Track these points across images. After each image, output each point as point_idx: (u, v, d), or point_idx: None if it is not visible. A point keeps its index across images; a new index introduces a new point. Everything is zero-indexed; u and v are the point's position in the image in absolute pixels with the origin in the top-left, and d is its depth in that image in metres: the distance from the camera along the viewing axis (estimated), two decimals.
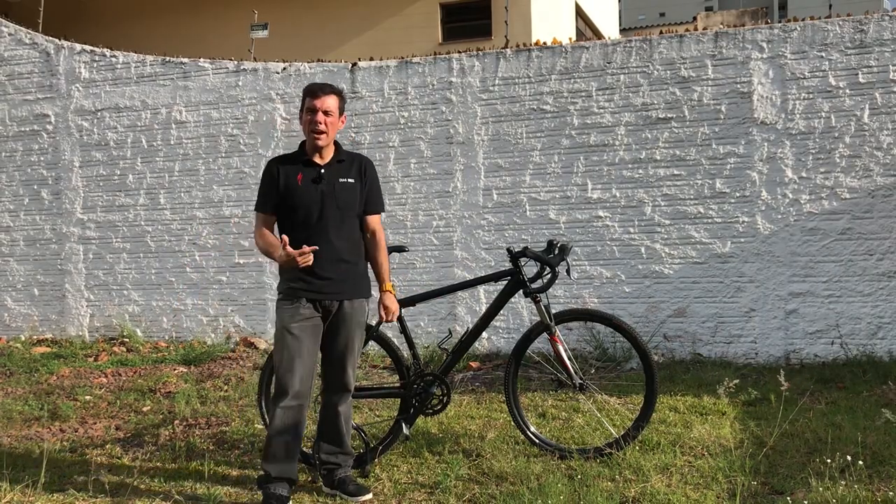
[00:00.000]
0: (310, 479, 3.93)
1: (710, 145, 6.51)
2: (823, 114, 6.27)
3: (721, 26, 7.08)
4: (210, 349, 7.30)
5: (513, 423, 4.29)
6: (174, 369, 6.62)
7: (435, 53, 7.46)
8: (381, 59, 7.49)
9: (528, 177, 6.93)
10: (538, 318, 4.13)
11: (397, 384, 4.22)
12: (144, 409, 5.44)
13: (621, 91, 6.72)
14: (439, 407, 4.15)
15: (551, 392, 5.30)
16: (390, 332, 4.67)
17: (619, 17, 24.04)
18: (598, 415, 4.58)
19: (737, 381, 4.20)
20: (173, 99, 7.91)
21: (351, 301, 3.63)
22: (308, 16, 14.23)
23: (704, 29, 6.77)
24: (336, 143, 3.70)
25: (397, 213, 7.20)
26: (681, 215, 6.59)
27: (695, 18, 19.25)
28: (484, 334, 6.29)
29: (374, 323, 3.96)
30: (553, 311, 4.10)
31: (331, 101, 3.56)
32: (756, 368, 6.14)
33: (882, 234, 6.17)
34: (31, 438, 4.83)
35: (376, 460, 4.08)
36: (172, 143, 7.91)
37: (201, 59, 7.94)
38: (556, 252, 4.11)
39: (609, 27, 19.96)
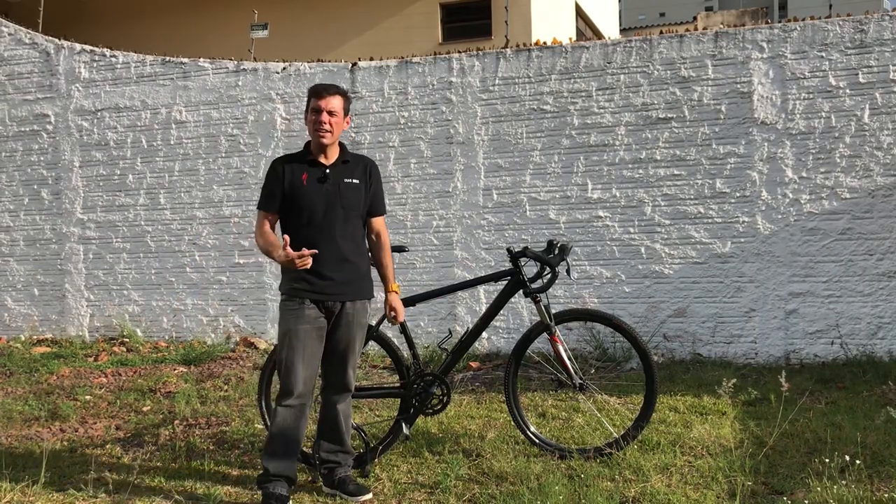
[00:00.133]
0: (310, 479, 3.94)
1: (711, 145, 6.51)
2: (823, 114, 6.27)
3: (721, 26, 7.08)
4: (210, 349, 7.30)
5: (513, 423, 4.29)
6: (174, 369, 6.63)
7: (435, 53, 7.46)
8: (381, 59, 7.49)
9: (528, 177, 6.93)
10: (538, 318, 4.13)
11: (397, 384, 4.22)
12: (144, 409, 5.44)
13: (621, 91, 6.72)
14: (439, 407, 4.15)
15: (551, 392, 5.30)
16: (390, 332, 4.68)
17: (619, 17, 24.04)
18: (598, 415, 4.58)
19: (734, 380, 4.20)
20: (173, 99, 7.91)
21: (353, 302, 3.65)
22: (308, 16, 14.22)
23: (704, 29, 6.77)
24: (341, 144, 3.72)
25: (397, 213, 7.20)
26: (681, 215, 6.59)
27: (695, 18, 19.25)
28: (484, 334, 6.30)
29: (373, 323, 3.97)
30: (553, 311, 4.10)
31: (335, 102, 3.58)
32: (756, 368, 6.14)
33: (882, 234, 6.17)
34: (31, 438, 4.83)
35: (376, 460, 4.08)
36: (172, 143, 7.91)
37: (201, 59, 7.94)
38: (556, 252, 4.11)
39: (609, 27, 19.96)
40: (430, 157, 7.21)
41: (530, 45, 7.17)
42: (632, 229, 6.70)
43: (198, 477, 3.98)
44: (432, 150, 7.21)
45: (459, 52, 7.25)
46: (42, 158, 8.29)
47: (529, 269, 4.14)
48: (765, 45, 6.40)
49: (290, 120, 7.58)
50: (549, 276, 4.11)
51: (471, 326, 4.27)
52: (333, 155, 3.66)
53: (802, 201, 6.32)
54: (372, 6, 13.99)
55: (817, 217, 6.30)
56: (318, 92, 3.59)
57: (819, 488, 3.37)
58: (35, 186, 8.32)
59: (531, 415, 4.90)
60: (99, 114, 8.12)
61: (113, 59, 8.10)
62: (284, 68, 7.64)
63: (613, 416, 4.74)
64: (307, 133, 3.70)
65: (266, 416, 4.17)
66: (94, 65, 8.14)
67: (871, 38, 6.17)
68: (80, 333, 8.18)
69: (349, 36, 13.92)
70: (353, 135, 7.34)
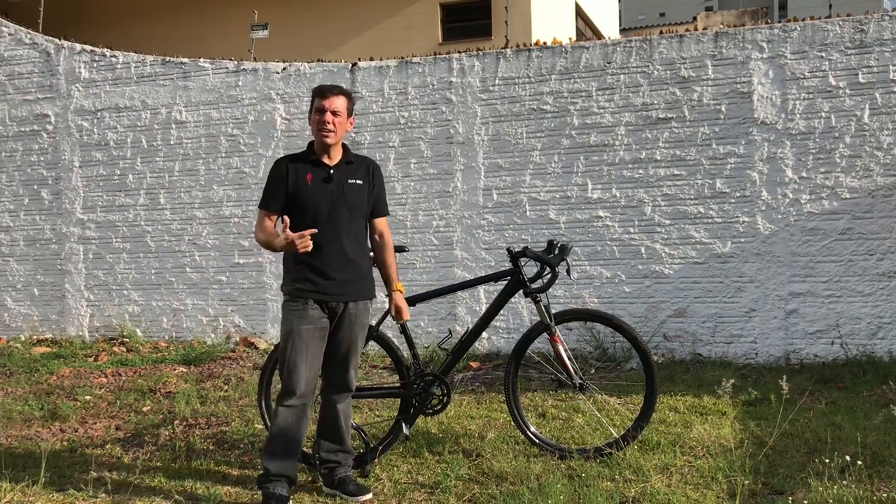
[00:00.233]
0: (310, 479, 3.94)
1: (711, 145, 6.51)
2: (823, 114, 6.27)
3: (721, 26, 7.08)
4: (210, 349, 7.30)
5: (513, 423, 4.29)
6: (174, 369, 6.62)
7: (435, 53, 7.46)
8: (381, 59, 7.49)
9: (528, 177, 6.94)
10: (538, 318, 4.13)
11: (397, 384, 4.22)
12: (144, 409, 5.44)
13: (621, 91, 6.72)
14: (439, 407, 4.15)
15: (551, 392, 5.30)
16: (390, 332, 4.67)
17: (619, 17, 24.04)
18: (598, 415, 4.58)
19: (733, 381, 4.20)
20: (173, 99, 7.91)
21: (356, 303, 3.65)
22: (308, 16, 14.23)
23: (704, 29, 6.77)
24: (344, 145, 3.73)
25: (397, 213, 7.20)
26: (681, 215, 6.59)
27: (695, 18, 19.25)
28: (484, 334, 6.30)
29: (373, 323, 3.97)
30: (553, 311, 4.10)
31: (339, 102, 3.60)
32: (756, 368, 6.14)
33: (882, 234, 6.17)
34: (31, 438, 4.82)
35: (376, 460, 4.08)
36: (172, 143, 7.91)
37: (201, 59, 7.94)
38: (556, 252, 4.11)
39: (609, 27, 19.96)
40: (430, 157, 7.22)
41: (530, 45, 7.17)
42: (632, 229, 6.70)
43: (198, 477, 3.98)
44: (432, 150, 7.21)
45: (459, 52, 7.25)
46: (42, 158, 8.29)
47: (529, 269, 4.13)
48: (765, 45, 6.40)
49: (290, 120, 7.58)
50: (549, 276, 4.11)
51: (471, 326, 4.26)
52: (337, 155, 3.67)
53: (802, 201, 6.32)
54: (372, 6, 13.99)
55: (817, 217, 6.30)
56: (323, 92, 3.61)
57: (819, 488, 3.37)
58: (35, 186, 8.32)
59: (531, 415, 4.90)
60: (99, 114, 8.12)
61: (113, 59, 8.10)
62: (284, 68, 7.64)
63: (613, 416, 4.74)
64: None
65: (266, 416, 4.17)
66: (94, 65, 8.14)
67: (871, 38, 6.17)
68: (80, 333, 8.18)
69: (349, 36, 13.92)
70: (353, 135, 7.34)
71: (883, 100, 6.15)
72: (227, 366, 6.69)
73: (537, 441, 4.17)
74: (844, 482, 3.42)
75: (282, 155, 4.21)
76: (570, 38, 11.92)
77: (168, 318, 7.96)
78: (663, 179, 6.62)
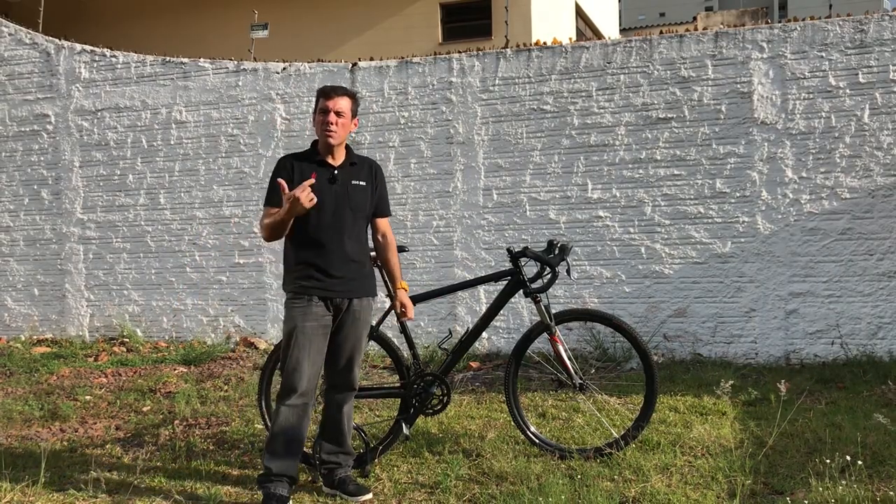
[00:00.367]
0: (310, 479, 3.93)
1: (711, 145, 6.51)
2: (823, 114, 6.27)
3: (721, 26, 7.08)
4: (210, 349, 7.30)
5: (513, 423, 4.29)
6: (174, 369, 6.63)
7: (435, 53, 7.46)
8: (381, 59, 7.49)
9: (529, 177, 6.94)
10: (538, 318, 4.13)
11: (397, 384, 4.21)
12: (144, 409, 5.44)
13: (621, 91, 6.72)
14: (439, 407, 4.15)
15: (551, 392, 5.30)
16: (390, 332, 4.67)
17: (619, 17, 24.04)
18: (598, 415, 4.58)
19: (732, 381, 4.20)
20: (173, 99, 7.91)
21: (360, 300, 3.66)
22: (308, 16, 14.23)
23: (704, 29, 6.77)
24: (347, 146, 3.74)
25: (398, 213, 7.20)
26: (681, 215, 6.59)
27: (695, 18, 19.26)
28: (484, 334, 6.30)
29: (373, 323, 3.97)
30: (553, 311, 4.10)
31: (343, 103, 3.60)
32: (756, 368, 6.14)
33: (882, 234, 6.17)
34: (31, 438, 4.82)
35: (376, 460, 4.08)
36: (172, 143, 7.91)
37: (201, 59, 7.94)
38: (557, 252, 4.11)
39: (609, 27, 19.96)
40: (430, 157, 7.22)
41: (530, 45, 7.17)
42: (632, 229, 6.70)
43: (198, 477, 3.98)
44: (432, 150, 7.21)
45: (459, 52, 7.25)
46: (42, 158, 8.29)
47: (529, 269, 4.14)
48: (765, 45, 6.40)
49: (290, 120, 7.58)
50: (549, 276, 4.11)
51: (471, 326, 4.27)
52: (340, 156, 3.68)
53: (802, 201, 6.32)
54: (372, 6, 13.99)
55: (817, 217, 6.30)
56: (327, 92, 3.62)
57: (819, 488, 3.37)
58: (35, 186, 8.32)
59: (531, 415, 4.90)
60: (99, 114, 8.12)
61: (113, 59, 8.10)
62: (284, 68, 7.64)
63: (613, 416, 4.74)
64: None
65: (266, 417, 4.17)
66: (95, 65, 8.14)
67: (871, 38, 6.17)
68: (80, 333, 8.18)
69: (349, 36, 13.92)
70: (353, 135, 7.34)
71: (883, 100, 6.15)
72: (227, 366, 6.69)
73: (537, 441, 4.17)
74: (844, 482, 3.42)
75: (282, 155, 4.21)
76: (570, 38, 11.92)
77: (168, 318, 7.96)
78: (663, 179, 6.62)
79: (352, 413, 3.85)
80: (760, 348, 6.40)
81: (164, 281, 7.95)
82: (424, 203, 7.23)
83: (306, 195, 3.34)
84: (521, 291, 4.13)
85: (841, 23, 6.26)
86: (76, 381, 6.32)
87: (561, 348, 4.07)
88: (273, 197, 3.57)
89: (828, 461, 3.58)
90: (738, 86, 6.45)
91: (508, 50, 7.05)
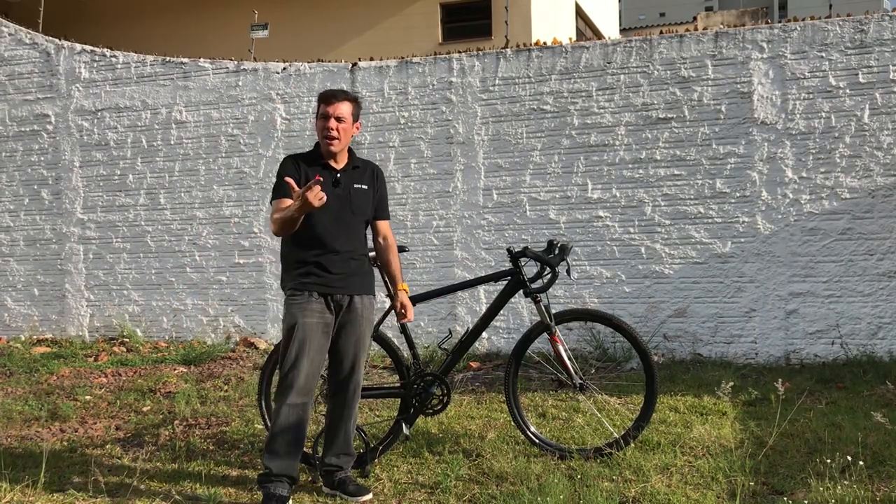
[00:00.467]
0: (310, 479, 3.93)
1: (711, 145, 6.51)
2: (823, 114, 6.27)
3: (721, 26, 7.08)
4: (210, 349, 7.30)
5: (513, 423, 4.29)
6: (174, 369, 6.62)
7: (435, 53, 7.46)
8: (381, 59, 7.49)
9: (529, 177, 6.94)
10: (538, 318, 4.13)
11: (397, 384, 4.21)
12: (144, 409, 5.44)
13: (621, 91, 6.72)
14: (439, 407, 4.15)
15: (551, 392, 5.30)
16: (390, 332, 4.67)
17: (619, 17, 24.04)
18: (598, 415, 4.58)
19: (732, 382, 4.20)
20: (173, 99, 7.91)
21: (361, 297, 3.66)
22: (308, 16, 14.23)
23: (704, 29, 6.77)
24: (350, 150, 3.74)
25: (397, 213, 7.20)
26: (681, 215, 6.59)
27: (695, 18, 19.26)
28: (484, 334, 6.29)
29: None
30: (553, 311, 4.10)
31: (344, 108, 3.60)
32: (756, 368, 6.14)
33: (882, 234, 6.17)
34: (31, 438, 4.82)
35: (376, 460, 4.08)
36: (172, 143, 7.91)
37: (201, 59, 7.94)
38: (557, 252, 4.11)
39: (609, 27, 19.96)
40: (430, 157, 7.22)
41: (530, 45, 7.17)
42: (632, 229, 6.70)
43: (198, 477, 3.98)
44: (432, 150, 7.21)
45: (459, 52, 7.25)
46: (42, 158, 8.30)
47: (529, 269, 4.13)
48: (765, 45, 6.40)
49: (290, 120, 7.58)
50: (549, 276, 4.11)
51: (471, 326, 4.26)
52: (343, 160, 3.69)
53: (802, 201, 6.32)
54: (372, 6, 13.99)
55: (817, 217, 6.30)
56: (327, 98, 3.61)
57: (819, 488, 3.37)
58: (35, 186, 8.32)
59: (531, 415, 4.90)
60: (99, 114, 8.12)
61: (113, 59, 8.10)
62: (284, 68, 7.64)
63: (613, 416, 4.74)
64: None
65: (266, 417, 4.17)
66: (95, 65, 8.14)
67: (871, 38, 6.17)
68: (80, 333, 8.18)
69: (349, 36, 13.92)
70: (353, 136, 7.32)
71: (883, 100, 6.15)
72: (227, 366, 6.69)
73: (537, 441, 4.16)
74: (845, 482, 3.42)
75: (282, 155, 4.21)
76: (570, 38, 11.91)
77: (168, 318, 7.96)
78: (663, 179, 6.62)
79: (356, 418, 3.83)
80: (760, 348, 6.40)
81: (164, 281, 7.95)
82: (424, 203, 7.23)
83: (314, 194, 3.33)
84: (521, 291, 4.13)
85: (841, 23, 6.26)
86: (76, 381, 6.32)
87: (561, 348, 4.07)
88: (281, 190, 3.52)
89: (828, 461, 3.58)
90: (738, 86, 6.45)
91: (508, 50, 7.05)
